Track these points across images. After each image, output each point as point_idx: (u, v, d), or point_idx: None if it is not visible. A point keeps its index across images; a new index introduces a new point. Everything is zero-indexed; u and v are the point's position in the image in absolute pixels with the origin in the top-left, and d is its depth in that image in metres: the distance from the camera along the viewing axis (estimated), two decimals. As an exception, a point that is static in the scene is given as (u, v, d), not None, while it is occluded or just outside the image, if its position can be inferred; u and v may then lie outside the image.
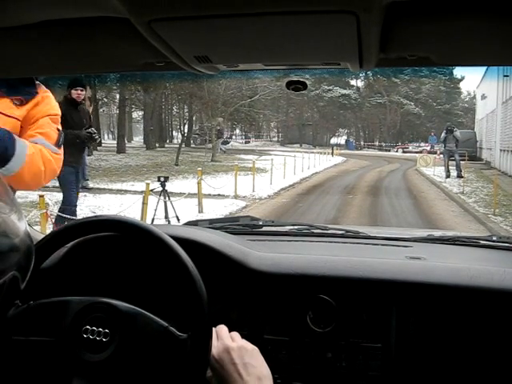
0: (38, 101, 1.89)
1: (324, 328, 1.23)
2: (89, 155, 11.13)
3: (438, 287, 1.23)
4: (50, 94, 1.97)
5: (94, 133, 6.28)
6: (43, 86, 1.94)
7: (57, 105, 1.99)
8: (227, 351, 1.01)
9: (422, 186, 14.90)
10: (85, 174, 10.12)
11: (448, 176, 15.85)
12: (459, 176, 15.52)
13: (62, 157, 1.97)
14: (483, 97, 27.57)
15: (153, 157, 21.83)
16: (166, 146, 30.15)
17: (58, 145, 1.95)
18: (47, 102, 1.93)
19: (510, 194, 11.84)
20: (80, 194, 9.46)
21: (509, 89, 19.16)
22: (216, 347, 1.01)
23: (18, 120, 1.84)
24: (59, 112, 1.98)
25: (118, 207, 8.66)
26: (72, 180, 6.27)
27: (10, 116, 1.82)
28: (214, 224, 1.71)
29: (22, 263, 0.78)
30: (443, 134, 16.62)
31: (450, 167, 16.07)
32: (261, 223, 1.78)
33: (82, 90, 6.45)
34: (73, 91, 6.37)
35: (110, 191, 11.54)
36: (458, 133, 16.46)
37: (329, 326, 1.23)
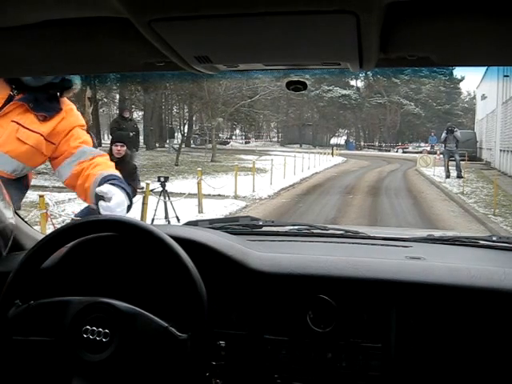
0: (64, 116, 1.96)
1: (324, 328, 1.23)
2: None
3: (438, 287, 1.23)
4: (73, 106, 2.04)
5: None
6: (66, 100, 2.00)
7: (80, 115, 2.06)
8: None
9: (422, 187, 14.90)
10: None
11: (448, 176, 15.83)
12: (459, 176, 15.49)
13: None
14: (483, 97, 27.55)
15: (153, 157, 21.79)
16: (166, 146, 30.13)
17: (95, 147, 2.06)
18: (72, 114, 2.00)
19: (510, 195, 11.84)
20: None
21: (509, 89, 19.16)
22: None
23: (42, 135, 1.90)
24: (84, 122, 2.06)
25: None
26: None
27: (34, 131, 1.88)
28: (214, 224, 1.71)
29: None
30: (444, 134, 16.58)
31: (449, 167, 16.06)
32: (261, 223, 1.77)
33: (122, 146, 6.63)
34: (113, 147, 6.57)
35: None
36: (458, 133, 16.43)
37: (329, 326, 1.23)
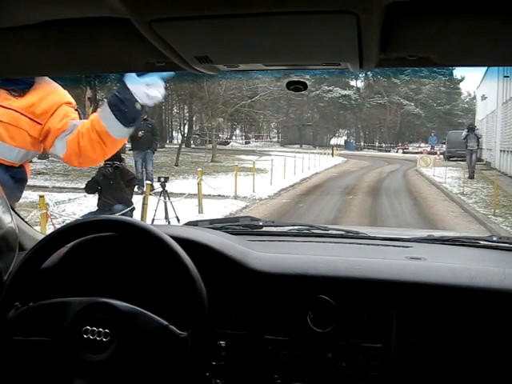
0: (45, 95, 1.83)
1: (324, 328, 1.23)
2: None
3: (438, 288, 1.23)
4: (58, 86, 1.89)
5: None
6: (49, 79, 1.86)
7: (67, 93, 1.92)
8: None
9: (422, 187, 14.88)
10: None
11: (472, 177, 15.29)
12: (471, 177, 15.18)
13: None
14: (483, 97, 27.53)
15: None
16: (166, 146, 30.15)
17: None
18: (57, 93, 1.86)
19: (510, 195, 11.83)
20: (80, 195, 9.48)
21: (509, 89, 19.13)
22: None
23: (17, 112, 1.78)
24: (72, 100, 1.92)
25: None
26: None
27: (7, 108, 1.77)
28: (214, 224, 1.71)
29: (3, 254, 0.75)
30: (464, 133, 15.94)
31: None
32: (261, 223, 1.78)
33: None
34: None
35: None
36: (479, 131, 15.97)
37: (329, 326, 1.23)
